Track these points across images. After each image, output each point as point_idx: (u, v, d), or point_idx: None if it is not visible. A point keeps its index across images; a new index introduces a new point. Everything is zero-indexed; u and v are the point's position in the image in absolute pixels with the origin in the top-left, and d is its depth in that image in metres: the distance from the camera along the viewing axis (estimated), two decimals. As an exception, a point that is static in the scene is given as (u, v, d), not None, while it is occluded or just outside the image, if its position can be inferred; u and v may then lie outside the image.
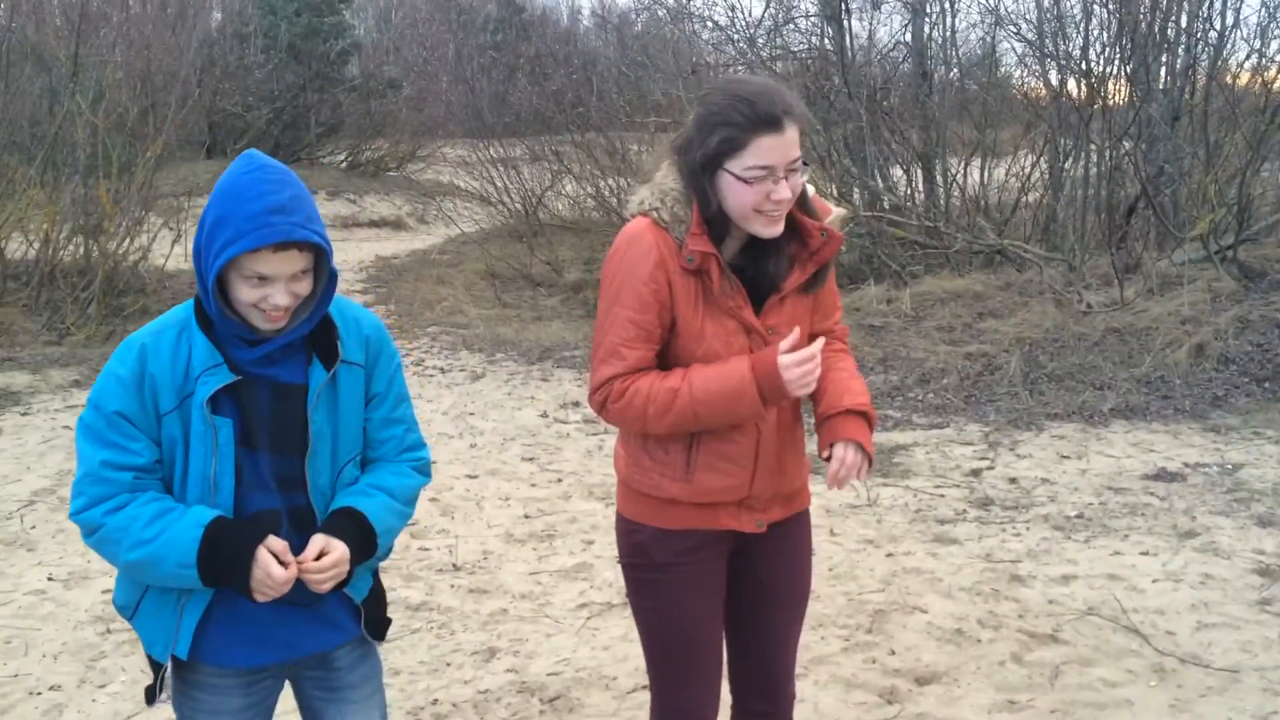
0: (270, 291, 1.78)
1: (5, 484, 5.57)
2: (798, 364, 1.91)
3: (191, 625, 1.86)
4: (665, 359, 2.02)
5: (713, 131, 1.91)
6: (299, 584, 1.83)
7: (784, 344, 1.93)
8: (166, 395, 1.81)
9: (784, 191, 1.91)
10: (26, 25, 11.55)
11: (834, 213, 2.08)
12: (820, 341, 1.97)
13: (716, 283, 1.95)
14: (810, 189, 2.08)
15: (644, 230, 1.98)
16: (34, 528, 4.91)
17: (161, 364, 1.81)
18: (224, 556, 1.78)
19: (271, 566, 1.78)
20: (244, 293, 1.78)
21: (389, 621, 2.09)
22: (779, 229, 1.97)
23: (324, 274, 1.87)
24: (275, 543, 1.81)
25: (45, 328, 9.31)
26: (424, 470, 2.09)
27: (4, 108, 10.31)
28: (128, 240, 10.25)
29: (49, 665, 3.62)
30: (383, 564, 4.55)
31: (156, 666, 1.92)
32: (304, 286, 1.83)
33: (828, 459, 2.01)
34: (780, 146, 1.89)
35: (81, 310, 9.53)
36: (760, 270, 2.03)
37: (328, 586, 1.85)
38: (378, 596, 2.06)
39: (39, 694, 3.44)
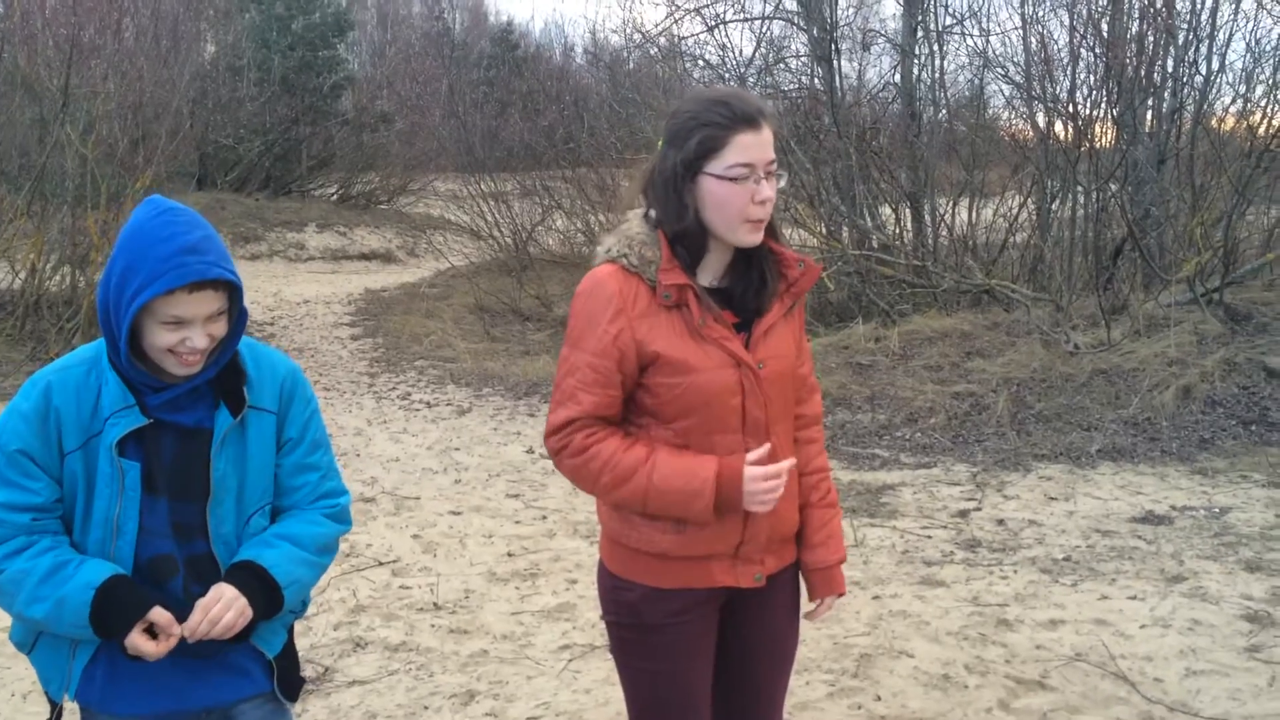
0: (187, 334, 1.75)
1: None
2: (763, 478, 1.90)
3: (79, 668, 1.82)
4: (649, 395, 1.97)
5: (690, 135, 1.91)
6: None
7: (752, 455, 1.92)
8: (71, 433, 1.77)
9: (767, 190, 1.91)
10: (18, 55, 11.56)
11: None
12: (790, 462, 1.95)
13: (696, 314, 1.93)
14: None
15: (608, 276, 1.95)
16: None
17: (68, 400, 1.77)
18: (113, 620, 1.76)
19: (142, 645, 1.75)
20: (160, 338, 1.75)
21: (303, 682, 2.03)
22: (760, 237, 1.96)
23: (235, 314, 1.84)
24: (159, 615, 1.77)
25: (29, 358, 9.24)
26: (339, 517, 2.01)
27: (-7, 137, 10.30)
28: (114, 271, 10.18)
29: (18, 705, 3.54)
30: (362, 603, 4.49)
31: (54, 704, 1.89)
32: (220, 328, 1.80)
33: (815, 604, 2.16)
34: (759, 145, 1.90)
35: (66, 341, 9.46)
36: (745, 290, 2.00)
37: (231, 632, 1.79)
38: (292, 656, 2.00)
39: (6, 735, 3.37)
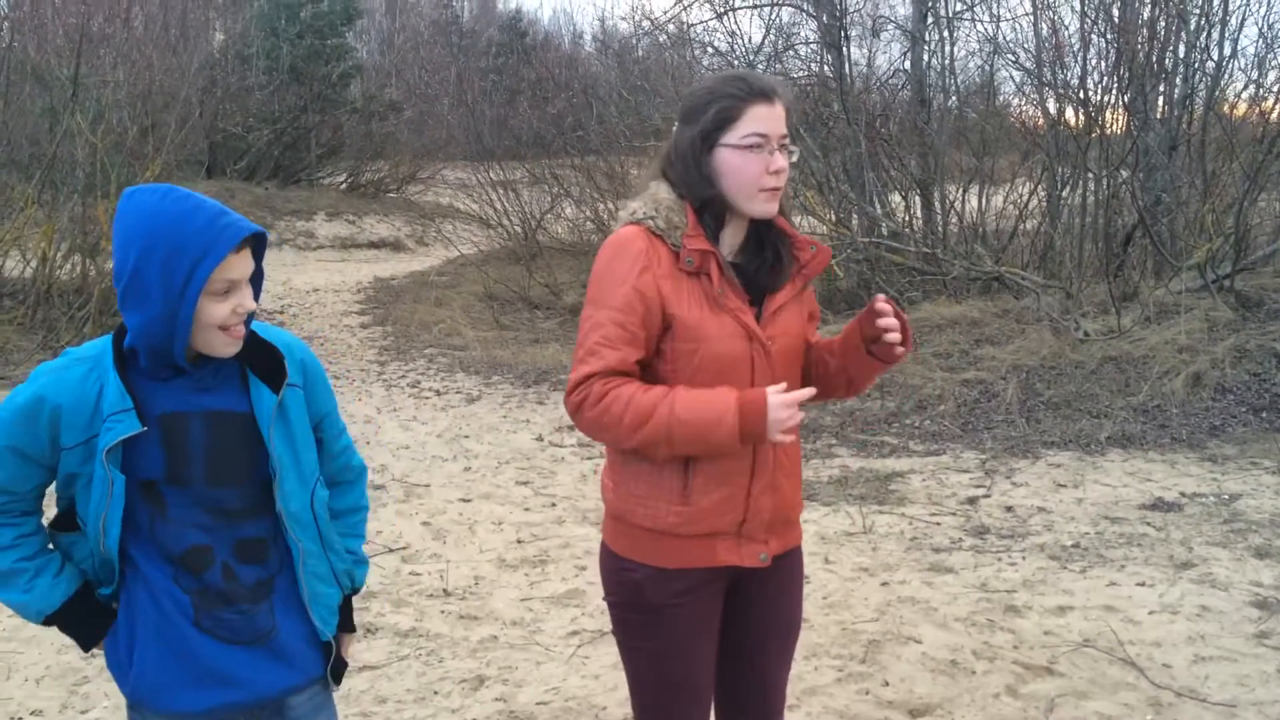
0: (238, 299, 1.76)
1: None
2: (787, 405, 1.88)
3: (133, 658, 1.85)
4: (663, 361, 1.98)
5: (707, 109, 1.96)
6: (240, 618, 1.83)
7: (774, 387, 1.91)
8: (71, 430, 1.75)
9: (781, 161, 1.95)
10: (28, 44, 11.59)
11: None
12: (809, 391, 1.96)
13: (716, 281, 1.95)
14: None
15: (634, 236, 1.97)
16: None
17: (66, 399, 1.74)
18: (80, 633, 1.88)
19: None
20: (213, 312, 1.73)
21: (345, 665, 2.03)
22: (775, 207, 2.00)
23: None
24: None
25: (40, 346, 9.29)
26: (365, 478, 2.15)
27: (4, 126, 10.32)
28: (124, 259, 10.22)
29: (31, 690, 3.57)
30: (372, 589, 4.51)
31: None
32: (250, 290, 1.80)
33: (880, 329, 1.98)
34: (773, 117, 1.95)
35: (77, 329, 9.50)
36: (758, 268, 2.03)
37: None
38: (338, 638, 2.01)
39: (20, 719, 3.40)
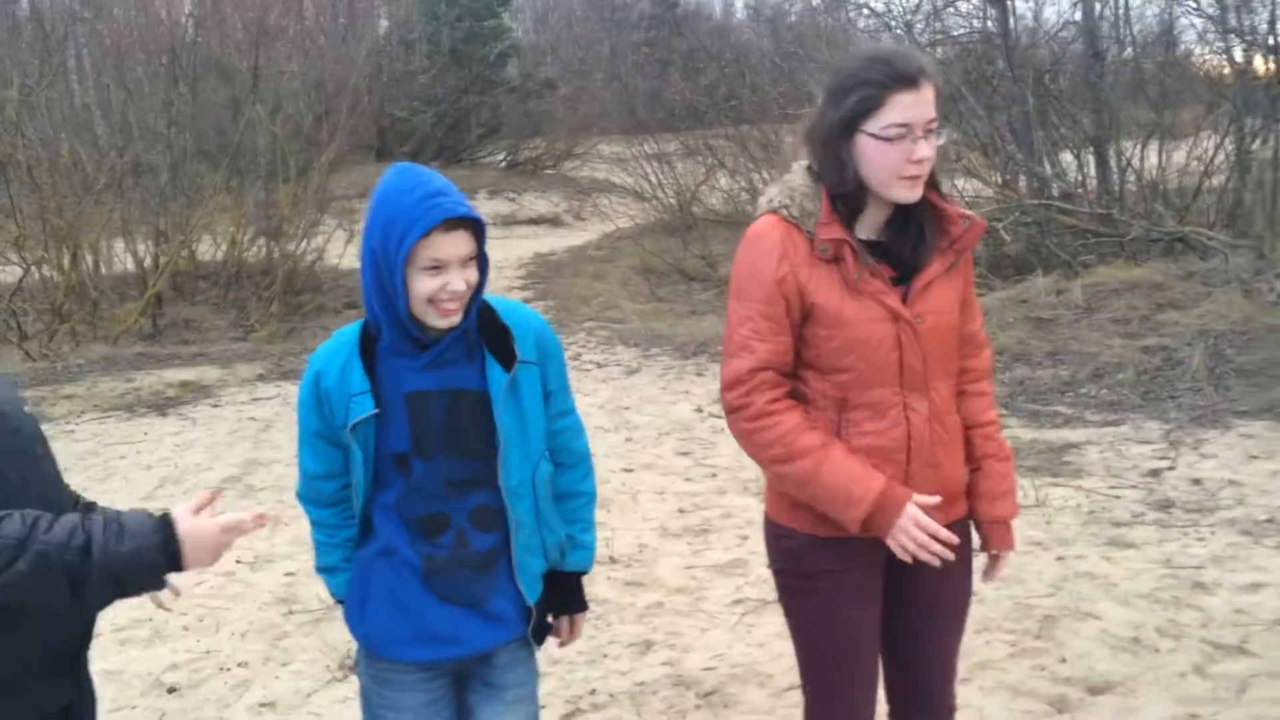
0: (447, 278, 1.83)
1: (199, 472, 5.97)
2: (918, 527, 1.89)
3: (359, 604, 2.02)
4: (806, 347, 1.98)
5: (849, 94, 1.91)
6: (462, 583, 1.94)
7: (922, 498, 1.92)
8: (339, 410, 1.91)
9: (924, 150, 1.89)
10: (211, 40, 12.29)
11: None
12: (952, 538, 1.92)
13: (852, 268, 1.93)
14: None
15: (769, 228, 1.98)
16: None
17: (332, 383, 1.91)
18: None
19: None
20: (422, 285, 1.82)
21: (550, 628, 2.12)
22: (918, 193, 1.94)
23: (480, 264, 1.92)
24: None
25: (232, 324, 9.94)
26: (589, 464, 2.18)
27: (193, 118, 11.01)
28: (305, 241, 10.81)
29: (237, 643, 3.86)
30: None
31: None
32: (472, 274, 1.87)
33: (991, 562, 2.18)
34: (918, 104, 1.88)
35: (265, 308, 10.11)
36: (904, 245, 1.99)
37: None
38: (546, 603, 2.09)
39: (228, 670, 3.68)
